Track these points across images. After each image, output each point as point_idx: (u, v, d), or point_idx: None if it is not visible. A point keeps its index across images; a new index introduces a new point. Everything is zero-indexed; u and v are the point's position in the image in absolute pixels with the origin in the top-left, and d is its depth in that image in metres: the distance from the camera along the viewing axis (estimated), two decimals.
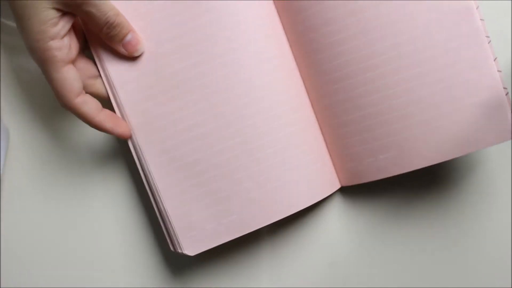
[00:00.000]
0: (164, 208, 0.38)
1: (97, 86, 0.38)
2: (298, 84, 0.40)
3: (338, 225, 0.42)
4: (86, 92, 0.37)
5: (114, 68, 0.38)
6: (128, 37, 0.37)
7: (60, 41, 0.35)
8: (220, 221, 0.38)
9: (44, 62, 0.35)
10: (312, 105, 0.40)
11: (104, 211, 0.42)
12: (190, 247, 0.38)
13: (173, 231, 0.38)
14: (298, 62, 0.40)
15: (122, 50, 0.37)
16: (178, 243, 0.38)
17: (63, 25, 0.35)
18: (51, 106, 0.42)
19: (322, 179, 0.40)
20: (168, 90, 0.38)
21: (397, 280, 0.42)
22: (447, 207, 0.42)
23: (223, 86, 0.38)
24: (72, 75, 0.36)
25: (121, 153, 0.42)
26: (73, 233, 0.42)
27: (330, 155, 0.41)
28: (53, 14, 0.34)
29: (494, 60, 0.36)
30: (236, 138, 0.38)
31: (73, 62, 0.36)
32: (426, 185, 0.42)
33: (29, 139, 0.42)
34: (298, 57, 0.40)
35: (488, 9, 0.43)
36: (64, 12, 0.35)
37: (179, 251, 0.38)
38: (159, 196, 0.38)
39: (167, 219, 0.38)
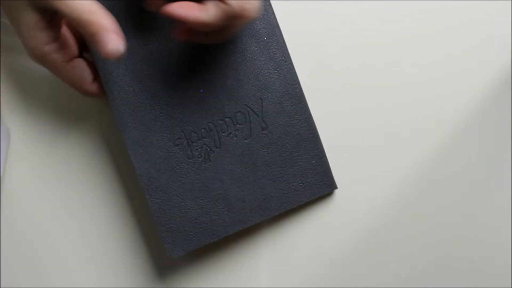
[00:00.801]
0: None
1: (94, 88, 0.38)
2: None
3: (338, 225, 0.42)
4: (82, 91, 0.37)
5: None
6: (104, 38, 0.33)
7: (55, 43, 0.35)
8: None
9: (47, 66, 0.36)
10: None
11: (104, 211, 0.42)
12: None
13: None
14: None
15: (99, 50, 0.33)
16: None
17: (53, 28, 0.35)
18: (51, 106, 0.42)
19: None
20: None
21: (397, 280, 0.42)
22: (447, 206, 0.42)
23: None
24: (79, 69, 0.36)
25: (122, 153, 0.42)
26: (73, 233, 0.42)
27: None
28: (36, 17, 0.33)
29: None
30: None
31: (77, 56, 0.36)
32: (426, 185, 0.43)
33: (29, 139, 0.42)
34: None
35: (488, 9, 0.43)
36: (45, 12, 0.34)
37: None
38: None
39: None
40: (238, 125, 0.39)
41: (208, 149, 0.39)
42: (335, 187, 0.41)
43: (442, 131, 0.42)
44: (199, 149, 0.39)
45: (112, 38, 0.32)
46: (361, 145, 0.42)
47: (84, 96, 0.39)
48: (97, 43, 0.33)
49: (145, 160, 0.38)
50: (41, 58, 0.35)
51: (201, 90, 0.39)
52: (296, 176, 0.40)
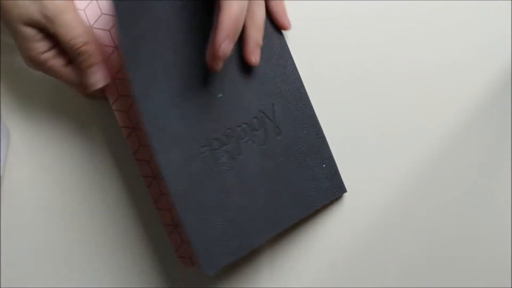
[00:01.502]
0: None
1: None
2: None
3: (339, 225, 0.42)
4: (86, 90, 0.37)
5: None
6: (92, 69, 0.35)
7: (52, 51, 0.35)
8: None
9: (46, 72, 0.36)
10: None
11: (104, 211, 0.42)
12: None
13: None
14: None
15: (84, 77, 0.36)
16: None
17: (50, 38, 0.35)
18: (51, 106, 0.42)
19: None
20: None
21: (397, 281, 0.42)
22: (447, 208, 0.42)
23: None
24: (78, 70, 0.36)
25: (123, 152, 0.42)
26: (73, 234, 0.42)
27: None
28: (31, 30, 0.34)
29: None
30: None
31: None
32: (430, 185, 0.43)
33: (29, 139, 0.42)
34: None
35: (488, 9, 0.43)
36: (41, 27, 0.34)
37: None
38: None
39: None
40: (254, 131, 0.38)
41: (230, 157, 0.37)
42: (345, 190, 0.41)
43: (443, 131, 0.42)
44: (222, 157, 0.36)
45: (101, 72, 0.35)
46: (363, 147, 0.42)
47: (86, 98, 0.39)
48: (88, 73, 0.35)
49: (177, 172, 0.35)
50: (39, 66, 0.35)
51: (219, 95, 0.37)
52: (309, 181, 0.39)
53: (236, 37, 0.33)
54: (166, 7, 0.35)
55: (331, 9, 0.42)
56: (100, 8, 0.37)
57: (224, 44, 0.33)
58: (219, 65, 0.34)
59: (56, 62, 0.35)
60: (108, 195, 0.42)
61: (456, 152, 0.42)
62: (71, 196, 0.42)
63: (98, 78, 0.35)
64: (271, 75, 0.39)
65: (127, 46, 0.33)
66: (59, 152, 0.42)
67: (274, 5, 0.38)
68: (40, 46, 0.34)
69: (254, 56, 0.37)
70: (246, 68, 0.38)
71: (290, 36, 0.40)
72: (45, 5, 0.33)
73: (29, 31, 0.34)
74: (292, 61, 0.40)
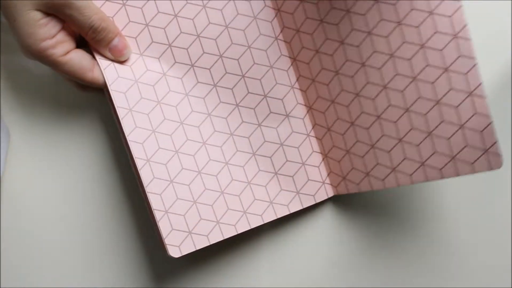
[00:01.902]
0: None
1: (95, 74, 0.37)
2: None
3: (337, 225, 0.42)
4: (85, 81, 0.37)
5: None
6: (115, 41, 0.37)
7: (53, 39, 0.35)
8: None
9: (43, 61, 0.35)
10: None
11: (105, 211, 0.42)
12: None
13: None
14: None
15: (108, 54, 0.37)
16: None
17: (53, 24, 0.35)
18: (51, 106, 0.42)
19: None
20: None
21: (395, 281, 0.42)
22: (443, 207, 0.42)
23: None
24: (77, 59, 0.36)
25: (123, 154, 0.42)
26: (73, 233, 0.42)
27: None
28: (38, 15, 0.34)
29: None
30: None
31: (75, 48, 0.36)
32: (424, 186, 0.43)
33: (29, 139, 0.42)
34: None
35: (488, 9, 0.43)
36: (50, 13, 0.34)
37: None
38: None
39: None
40: None
41: None
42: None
43: None
44: None
45: (125, 42, 0.37)
46: None
47: (84, 91, 0.39)
48: (113, 46, 0.37)
49: None
50: (36, 55, 0.35)
51: None
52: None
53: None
54: None
55: None
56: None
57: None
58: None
59: (55, 51, 0.35)
60: (110, 194, 0.42)
61: None
62: (71, 195, 0.42)
63: (125, 46, 0.37)
64: None
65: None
66: (59, 152, 0.42)
67: None
68: (42, 33, 0.34)
69: None
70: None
71: None
72: None
73: (35, 15, 0.34)
74: None
